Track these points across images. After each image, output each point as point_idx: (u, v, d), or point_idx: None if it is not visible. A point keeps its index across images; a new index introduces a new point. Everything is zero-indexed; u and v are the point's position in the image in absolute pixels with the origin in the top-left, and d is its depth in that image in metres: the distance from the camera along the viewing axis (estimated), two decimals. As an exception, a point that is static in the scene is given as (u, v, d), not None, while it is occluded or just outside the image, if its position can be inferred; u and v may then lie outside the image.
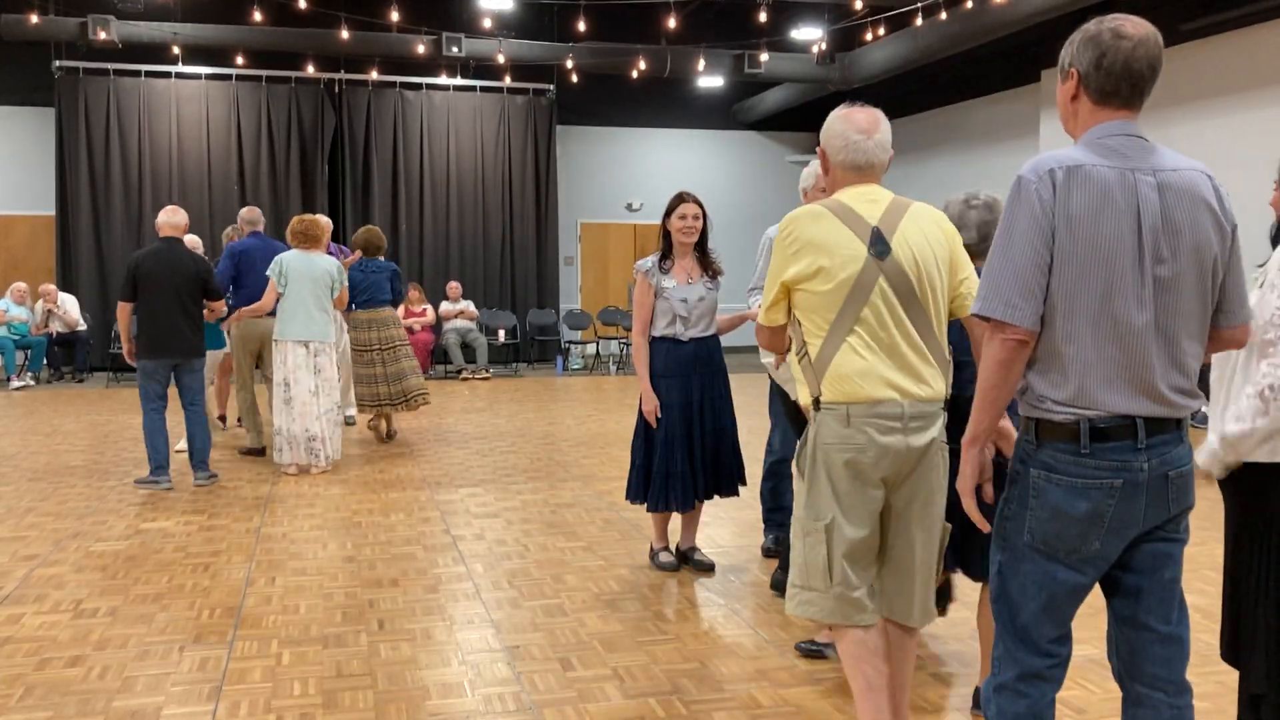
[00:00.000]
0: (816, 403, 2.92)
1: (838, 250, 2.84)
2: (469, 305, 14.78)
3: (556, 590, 4.91)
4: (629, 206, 17.23)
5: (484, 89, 15.60)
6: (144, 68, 14.30)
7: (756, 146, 17.77)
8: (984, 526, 2.44)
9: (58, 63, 14.10)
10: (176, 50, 13.81)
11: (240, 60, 14.08)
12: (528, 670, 3.94)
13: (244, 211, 8.82)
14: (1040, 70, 12.89)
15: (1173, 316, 2.27)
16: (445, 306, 14.54)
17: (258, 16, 12.57)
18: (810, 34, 14.19)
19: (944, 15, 11.79)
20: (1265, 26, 10.52)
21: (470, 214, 15.71)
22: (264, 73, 14.69)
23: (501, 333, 15.02)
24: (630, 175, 17.24)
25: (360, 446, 8.70)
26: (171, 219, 7.11)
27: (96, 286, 14.36)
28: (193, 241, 8.36)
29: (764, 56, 14.39)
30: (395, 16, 13.10)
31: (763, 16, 13.05)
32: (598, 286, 17.29)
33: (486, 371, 14.34)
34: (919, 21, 12.39)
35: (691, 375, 4.96)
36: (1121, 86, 2.29)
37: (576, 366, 15.42)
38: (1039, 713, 2.39)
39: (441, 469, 7.80)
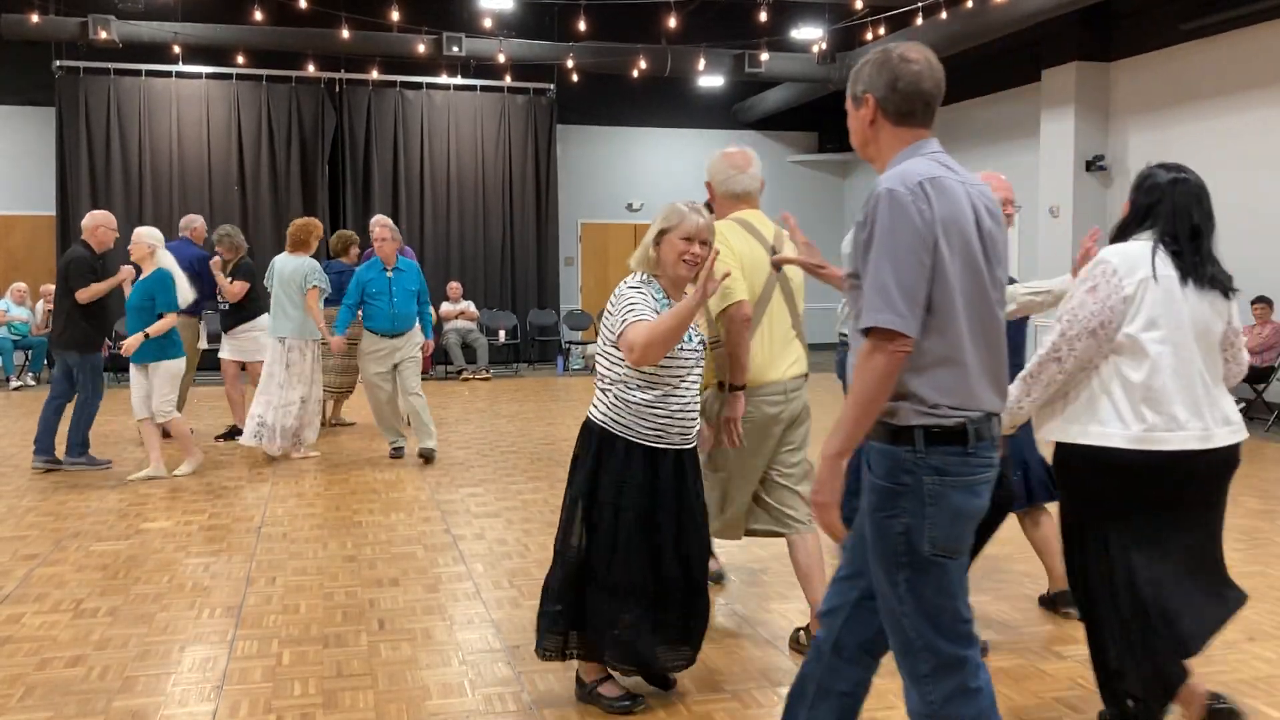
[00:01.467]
0: (721, 385, 3.83)
1: (755, 261, 3.72)
2: (469, 305, 14.79)
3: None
4: (629, 206, 17.23)
5: (484, 89, 15.60)
6: (144, 67, 14.31)
7: (757, 146, 17.71)
8: (839, 537, 2.47)
9: (58, 62, 14.10)
10: (177, 50, 13.81)
11: (241, 60, 14.08)
12: (528, 670, 3.94)
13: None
14: (1041, 70, 12.89)
15: (1002, 316, 2.48)
16: (446, 307, 14.54)
17: (258, 16, 12.57)
18: (810, 34, 14.19)
19: (944, 15, 11.79)
20: (1265, 26, 10.51)
21: (470, 214, 15.71)
22: (264, 72, 14.69)
23: (502, 333, 15.02)
24: (630, 175, 17.24)
25: (360, 446, 8.69)
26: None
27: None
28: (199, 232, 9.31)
29: (764, 56, 14.39)
30: (396, 16, 13.10)
31: (763, 16, 13.04)
32: (598, 287, 17.29)
33: (487, 372, 14.34)
34: (919, 21, 12.39)
35: None
36: (915, 106, 2.45)
37: (577, 367, 15.43)
38: (990, 693, 2.44)
39: (442, 469, 7.80)
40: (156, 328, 7.22)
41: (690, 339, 3.41)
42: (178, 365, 7.37)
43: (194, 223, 9.48)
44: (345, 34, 13.20)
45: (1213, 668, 3.95)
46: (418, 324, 8.04)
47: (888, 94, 2.44)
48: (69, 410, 7.74)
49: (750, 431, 3.83)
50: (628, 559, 3.38)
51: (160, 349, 7.29)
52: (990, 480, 2.41)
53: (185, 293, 7.46)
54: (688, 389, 3.42)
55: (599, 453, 3.41)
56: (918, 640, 2.40)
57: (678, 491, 3.43)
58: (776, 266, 3.72)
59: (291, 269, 8.05)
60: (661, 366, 3.34)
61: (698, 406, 3.49)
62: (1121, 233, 3.12)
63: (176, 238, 9.29)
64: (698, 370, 3.45)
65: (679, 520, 3.44)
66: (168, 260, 7.47)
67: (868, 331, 2.29)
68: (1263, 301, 10.12)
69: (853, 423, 2.33)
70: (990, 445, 2.40)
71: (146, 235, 7.47)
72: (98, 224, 7.79)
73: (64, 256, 7.71)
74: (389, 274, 7.90)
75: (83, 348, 7.55)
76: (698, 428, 3.52)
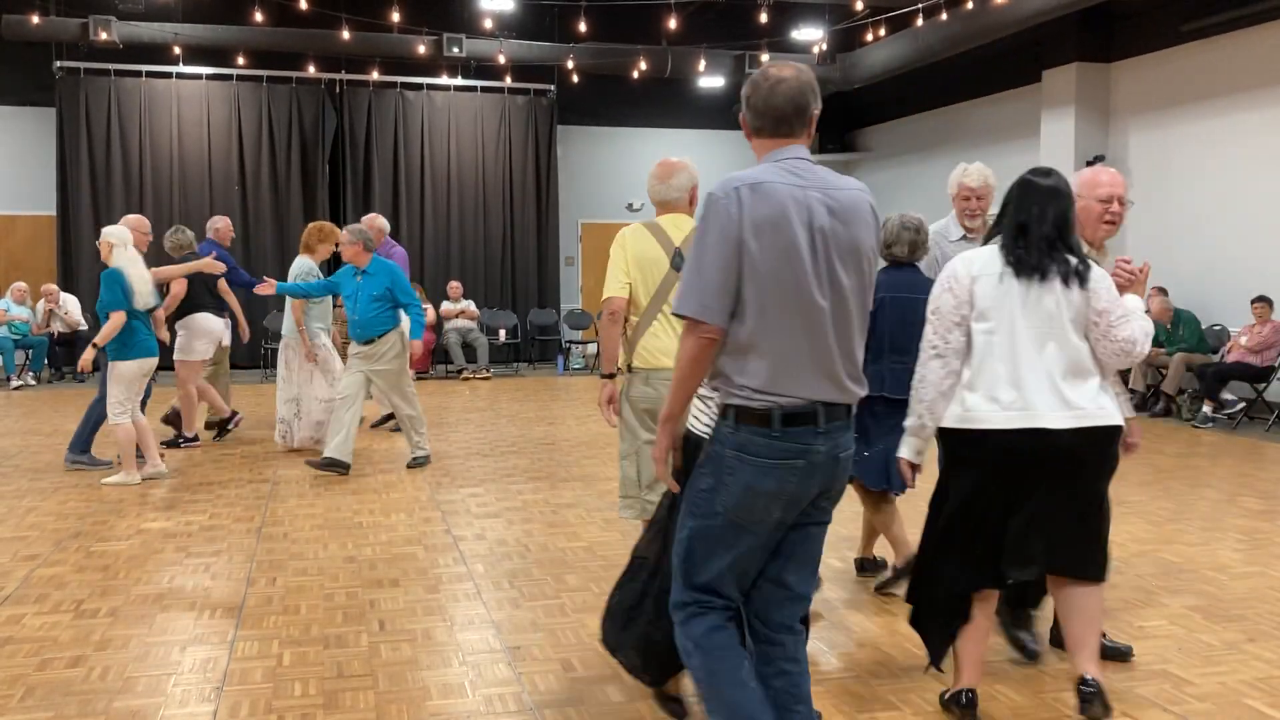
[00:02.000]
0: (629, 366, 4.23)
1: (650, 260, 4.13)
2: (470, 305, 14.79)
3: (558, 591, 4.91)
4: (629, 206, 17.23)
5: (485, 89, 15.60)
6: (145, 68, 14.31)
7: (757, 147, 17.77)
8: (674, 487, 2.82)
9: (59, 63, 14.10)
10: (177, 50, 13.81)
11: (241, 60, 14.08)
12: (528, 671, 3.94)
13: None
14: (1041, 70, 12.88)
15: (844, 313, 2.66)
16: (446, 306, 14.54)
17: (259, 17, 12.57)
18: (811, 34, 14.19)
19: (944, 15, 11.78)
20: (1265, 27, 10.51)
21: (471, 214, 15.71)
22: (265, 73, 14.69)
23: (502, 332, 15.02)
24: (631, 175, 17.23)
25: (360, 446, 8.69)
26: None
27: (97, 287, 14.35)
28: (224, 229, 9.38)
29: (765, 57, 14.38)
30: (396, 17, 13.10)
31: (763, 17, 13.04)
32: (598, 286, 17.25)
33: (487, 371, 14.34)
34: (919, 22, 12.39)
35: None
36: (765, 122, 2.70)
37: (577, 366, 15.43)
38: (722, 624, 2.75)
39: (442, 469, 7.80)
40: (103, 334, 6.97)
41: None
42: (129, 368, 7.07)
43: (216, 223, 9.40)
44: (346, 35, 13.20)
45: (1213, 668, 3.95)
46: (393, 331, 7.61)
47: (749, 111, 2.73)
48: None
49: (646, 411, 4.20)
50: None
51: (113, 349, 7.03)
52: (803, 466, 2.63)
53: (145, 296, 7.18)
54: None
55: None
56: (677, 576, 2.81)
57: None
58: (677, 266, 4.08)
59: (293, 270, 8.42)
60: None
61: None
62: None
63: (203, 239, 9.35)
64: None
65: None
66: (122, 259, 7.19)
67: (681, 316, 2.59)
68: (1262, 300, 10.11)
69: (672, 394, 2.66)
70: (809, 433, 2.62)
71: (107, 233, 7.27)
72: (131, 228, 7.66)
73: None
74: (358, 279, 7.61)
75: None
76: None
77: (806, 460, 2.64)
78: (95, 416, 7.67)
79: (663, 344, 4.13)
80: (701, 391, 2.89)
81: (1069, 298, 3.24)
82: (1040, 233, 3.27)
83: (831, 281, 2.61)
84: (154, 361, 7.26)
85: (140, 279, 7.19)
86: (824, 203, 2.61)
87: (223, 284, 8.71)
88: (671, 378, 2.66)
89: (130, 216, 7.97)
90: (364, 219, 8.99)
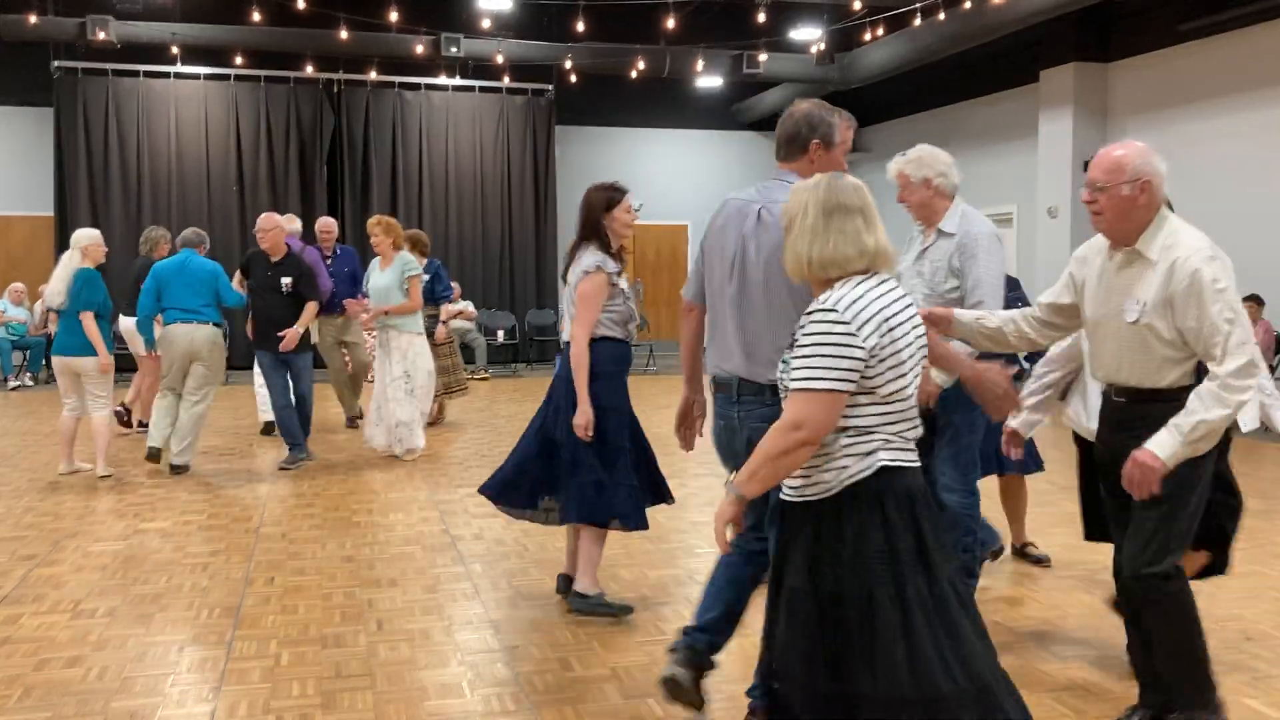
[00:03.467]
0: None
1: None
2: (468, 305, 14.78)
3: (555, 591, 4.90)
4: (628, 207, 17.23)
5: (483, 89, 15.59)
6: (142, 68, 14.29)
7: (755, 147, 17.74)
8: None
9: (56, 63, 14.08)
10: (175, 50, 13.79)
11: (239, 60, 14.07)
12: (527, 671, 3.94)
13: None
14: (1039, 70, 12.89)
15: (748, 305, 3.21)
16: (445, 306, 14.51)
17: (256, 17, 12.55)
18: (809, 34, 14.18)
19: (943, 15, 11.78)
20: (1264, 27, 10.52)
21: (469, 214, 15.70)
22: (263, 73, 14.67)
23: (500, 333, 15.02)
24: (629, 175, 17.22)
25: (360, 446, 8.68)
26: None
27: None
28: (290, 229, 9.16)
29: (763, 57, 14.38)
30: (394, 17, 13.09)
31: (762, 17, 13.04)
32: (597, 287, 17.25)
33: (485, 372, 14.33)
34: (918, 21, 12.38)
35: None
36: (776, 147, 3.41)
37: (575, 367, 15.40)
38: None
39: (440, 469, 7.80)
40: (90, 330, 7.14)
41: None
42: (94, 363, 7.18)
43: (293, 222, 9.51)
44: (344, 35, 13.19)
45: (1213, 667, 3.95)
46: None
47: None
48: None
49: None
50: None
51: (84, 345, 7.16)
52: (723, 422, 3.28)
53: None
54: None
55: None
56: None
57: None
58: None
59: (401, 269, 8.24)
60: None
61: None
62: None
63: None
64: None
65: None
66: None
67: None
68: (1253, 300, 10.11)
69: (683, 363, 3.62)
70: (724, 399, 3.26)
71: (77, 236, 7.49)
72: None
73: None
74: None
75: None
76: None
77: (723, 420, 3.29)
78: (305, 410, 7.99)
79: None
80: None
81: None
82: None
83: (738, 277, 3.21)
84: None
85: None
86: (756, 211, 3.21)
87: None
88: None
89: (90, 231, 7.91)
90: (318, 221, 9.28)
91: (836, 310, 2.47)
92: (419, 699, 3.68)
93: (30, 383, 13.12)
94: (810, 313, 2.51)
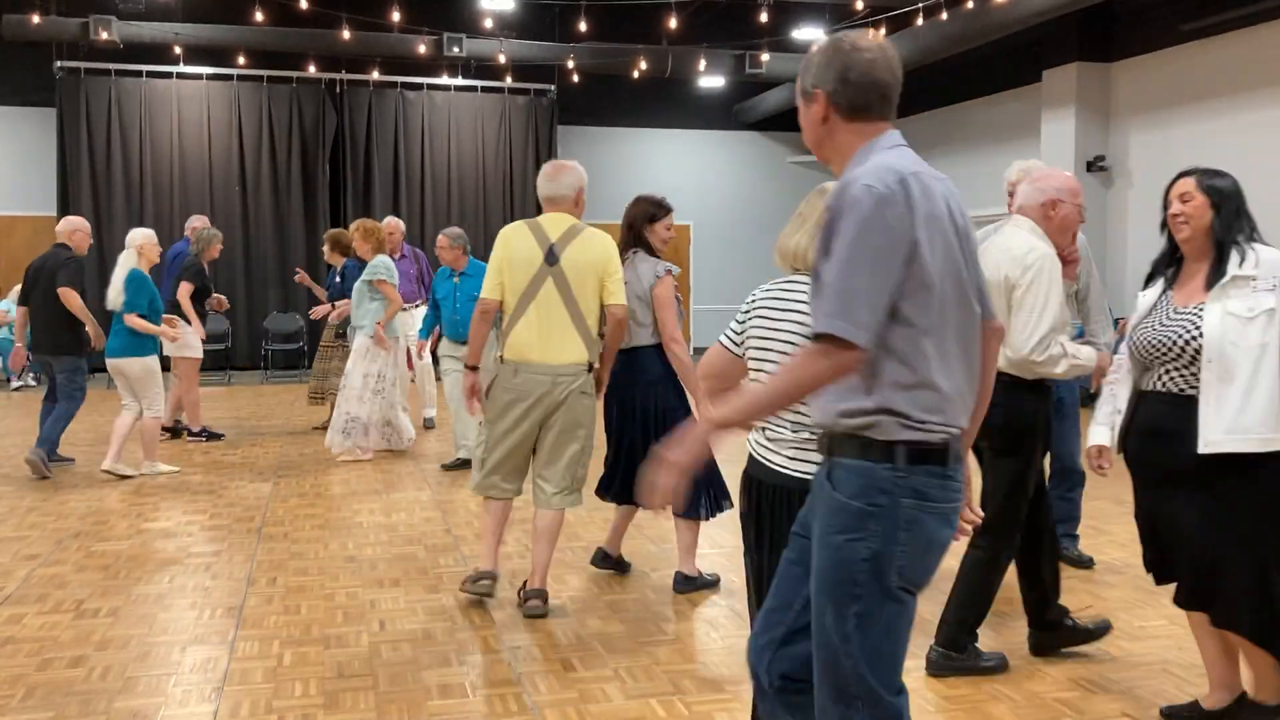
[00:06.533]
0: (501, 358, 4.45)
1: (523, 260, 4.39)
2: (470, 305, 14.78)
3: (558, 591, 4.91)
4: (630, 207, 17.23)
5: (485, 89, 15.59)
6: (145, 68, 14.30)
7: (757, 147, 17.75)
8: (675, 506, 2.56)
9: (59, 63, 14.09)
10: (178, 50, 13.81)
11: (241, 60, 14.08)
12: (529, 671, 3.94)
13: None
14: (1041, 70, 12.88)
15: (975, 327, 2.27)
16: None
17: (259, 17, 12.56)
18: (811, 34, 14.18)
19: (944, 15, 11.78)
20: (1265, 26, 10.51)
21: (471, 214, 15.70)
22: (265, 73, 14.68)
23: (502, 333, 15.00)
24: (631, 175, 17.22)
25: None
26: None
27: (97, 288, 14.30)
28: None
29: (765, 57, 14.38)
30: (396, 17, 13.09)
31: (764, 17, 13.04)
32: (599, 287, 17.26)
33: (487, 372, 14.33)
34: (919, 21, 12.38)
35: None
36: (872, 98, 2.23)
37: (577, 367, 15.41)
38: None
39: (442, 469, 7.80)
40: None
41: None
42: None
43: (194, 222, 9.55)
44: (346, 35, 13.20)
45: (1213, 668, 3.95)
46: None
47: (839, 87, 2.22)
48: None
49: (510, 401, 4.42)
50: None
51: (125, 347, 7.30)
52: (955, 509, 2.23)
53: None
54: None
55: None
56: (857, 686, 2.16)
57: None
58: (550, 262, 4.38)
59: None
60: None
61: None
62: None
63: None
64: None
65: None
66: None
67: (819, 336, 2.07)
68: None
69: (755, 405, 2.18)
70: (958, 471, 2.22)
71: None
72: (75, 228, 7.88)
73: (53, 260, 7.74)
74: (455, 279, 7.70)
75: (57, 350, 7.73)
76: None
77: (957, 502, 2.23)
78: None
79: (531, 338, 4.38)
80: (775, 426, 2.69)
81: None
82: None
83: (974, 291, 2.25)
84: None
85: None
86: (954, 199, 2.24)
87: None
88: (757, 389, 2.18)
89: (74, 218, 8.13)
90: (386, 220, 9.15)
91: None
92: (421, 699, 3.69)
93: (33, 383, 13.13)
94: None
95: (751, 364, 2.88)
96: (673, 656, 4.08)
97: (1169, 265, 3.39)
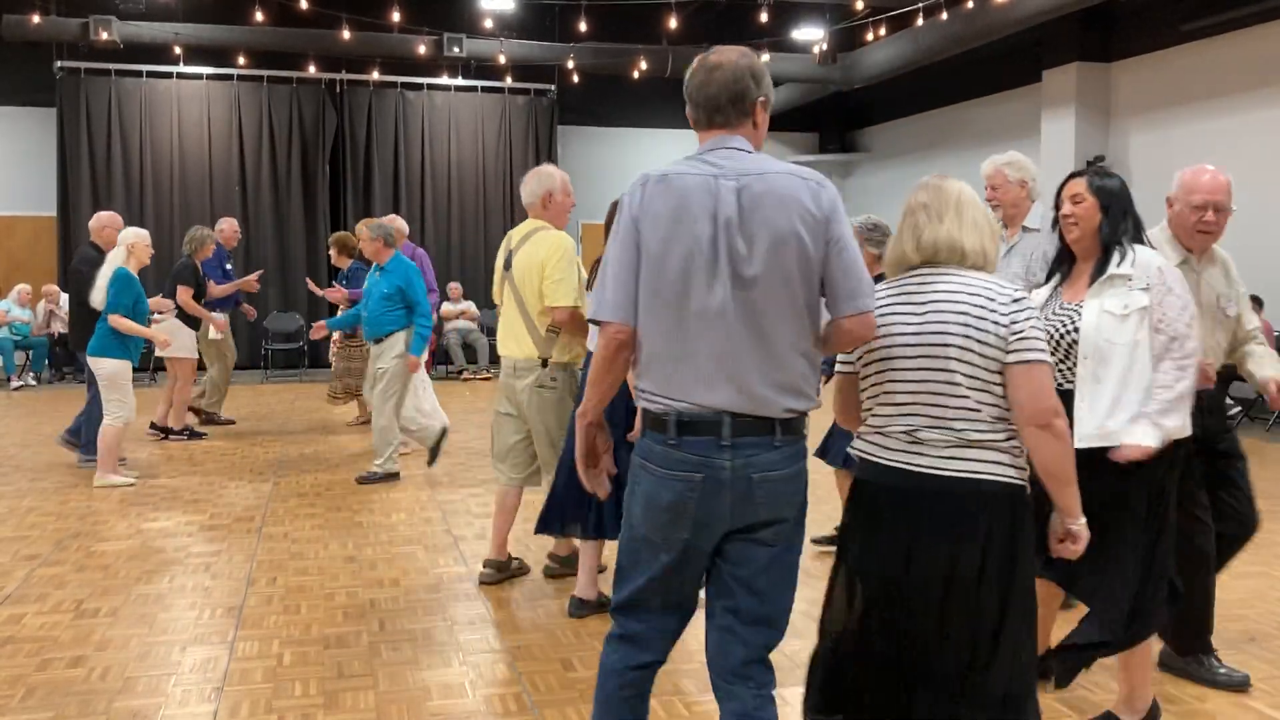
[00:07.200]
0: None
1: (498, 262, 4.90)
2: (470, 306, 14.79)
3: (557, 591, 4.91)
4: (630, 207, 17.22)
5: (485, 89, 15.59)
6: (145, 68, 14.30)
7: (757, 147, 17.75)
8: (598, 490, 2.61)
9: (59, 63, 14.09)
10: (178, 51, 13.80)
11: (242, 60, 14.08)
12: (529, 671, 3.94)
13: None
14: (1041, 70, 12.88)
15: (753, 312, 2.37)
16: (446, 307, 14.54)
17: (259, 17, 12.56)
18: (811, 34, 14.18)
19: (945, 15, 11.78)
20: (1265, 27, 10.51)
21: (471, 214, 15.70)
22: (265, 73, 14.68)
23: (502, 333, 15.00)
24: (632, 176, 17.08)
25: (361, 446, 8.69)
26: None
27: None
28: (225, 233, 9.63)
29: (765, 57, 14.34)
30: (396, 17, 13.09)
31: (764, 17, 13.04)
32: (599, 287, 17.25)
33: (488, 372, 14.34)
34: (920, 21, 12.38)
35: None
36: (701, 113, 2.51)
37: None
38: (620, 671, 2.61)
39: (443, 468, 7.80)
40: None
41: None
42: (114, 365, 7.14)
43: (221, 225, 10.03)
44: (346, 35, 13.20)
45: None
46: (403, 331, 7.21)
47: (687, 102, 2.55)
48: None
49: (501, 393, 4.95)
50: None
51: (100, 346, 7.09)
52: (702, 480, 2.39)
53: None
54: None
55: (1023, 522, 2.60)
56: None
57: None
58: (506, 266, 4.78)
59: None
60: None
61: None
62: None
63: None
64: None
65: None
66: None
67: (593, 321, 2.51)
68: (1254, 300, 10.10)
69: (586, 391, 2.55)
70: (710, 444, 2.38)
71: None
72: (103, 225, 7.90)
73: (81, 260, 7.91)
74: (377, 275, 7.33)
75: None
76: None
77: (706, 475, 2.38)
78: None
79: (500, 336, 4.91)
80: (993, 438, 2.51)
81: None
82: None
83: (735, 278, 2.36)
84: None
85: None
86: (736, 190, 2.38)
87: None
88: (589, 375, 2.52)
89: (104, 214, 8.34)
90: (384, 219, 9.02)
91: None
92: (421, 699, 3.69)
93: (33, 382, 13.13)
94: (1017, 299, 2.53)
95: (874, 365, 2.65)
96: (673, 656, 4.07)
97: (1065, 263, 3.45)
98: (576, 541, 5.03)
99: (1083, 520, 2.61)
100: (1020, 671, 2.56)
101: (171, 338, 8.43)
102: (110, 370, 7.07)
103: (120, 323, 7.06)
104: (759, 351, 2.37)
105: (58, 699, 3.68)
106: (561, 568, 5.15)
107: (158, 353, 8.49)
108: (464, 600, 4.77)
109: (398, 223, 9.07)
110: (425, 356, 7.34)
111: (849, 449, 2.71)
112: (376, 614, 4.58)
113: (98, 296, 7.18)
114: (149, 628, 4.40)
